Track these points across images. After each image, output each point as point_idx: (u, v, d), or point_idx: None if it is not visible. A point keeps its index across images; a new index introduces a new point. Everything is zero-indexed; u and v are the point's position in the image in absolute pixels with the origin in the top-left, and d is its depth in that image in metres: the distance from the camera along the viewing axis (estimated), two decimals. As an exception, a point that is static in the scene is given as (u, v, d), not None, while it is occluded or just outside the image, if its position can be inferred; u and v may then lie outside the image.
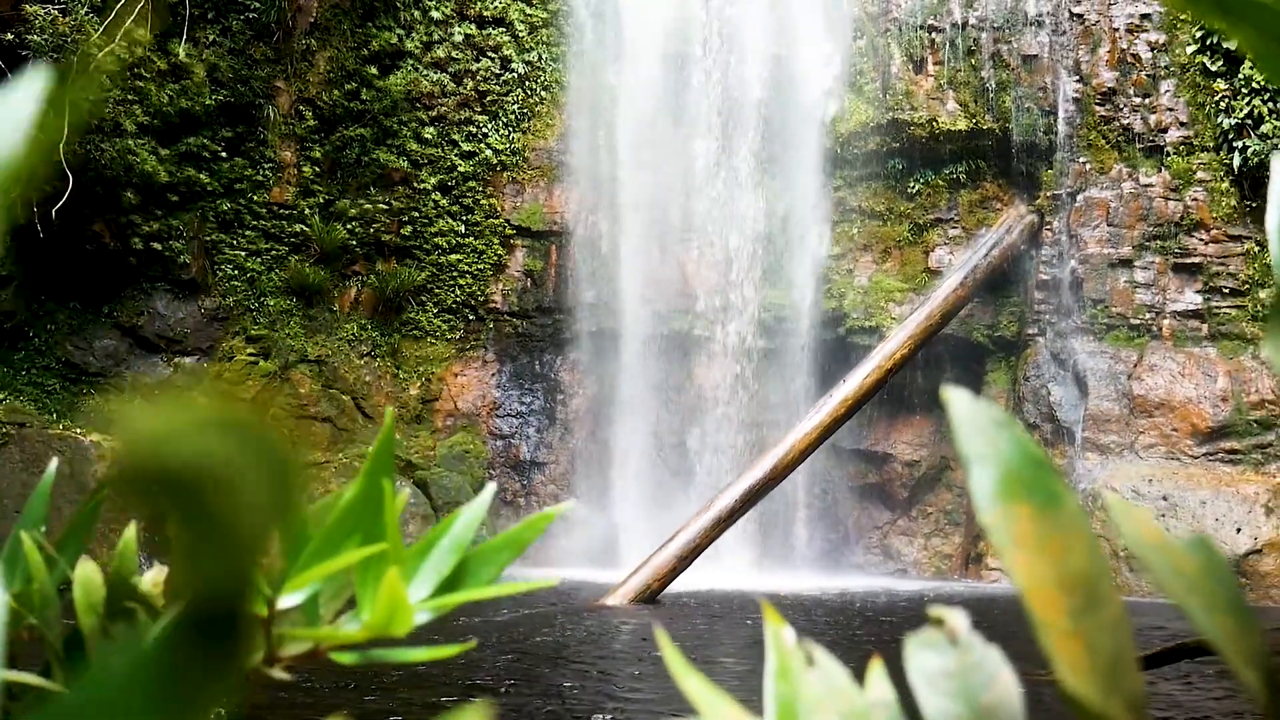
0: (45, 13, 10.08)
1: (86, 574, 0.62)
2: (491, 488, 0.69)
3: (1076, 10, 12.27)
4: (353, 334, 13.39)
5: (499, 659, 6.21)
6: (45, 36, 10.12)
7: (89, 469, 10.18)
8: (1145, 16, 12.05)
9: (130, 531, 0.68)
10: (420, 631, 0.55)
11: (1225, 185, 11.63)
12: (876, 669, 0.51)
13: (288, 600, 0.53)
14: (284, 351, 12.89)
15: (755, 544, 12.54)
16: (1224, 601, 0.48)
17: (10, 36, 10.29)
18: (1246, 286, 11.56)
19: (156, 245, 12.27)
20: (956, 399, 0.48)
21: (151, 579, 0.64)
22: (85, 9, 10.29)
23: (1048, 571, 0.46)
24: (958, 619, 0.48)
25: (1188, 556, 0.49)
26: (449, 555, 0.60)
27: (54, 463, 0.80)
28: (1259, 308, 11.49)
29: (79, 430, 10.60)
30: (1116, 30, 12.10)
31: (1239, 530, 10.57)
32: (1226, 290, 11.63)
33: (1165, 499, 10.91)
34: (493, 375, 13.74)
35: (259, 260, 13.08)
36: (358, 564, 0.54)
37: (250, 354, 12.74)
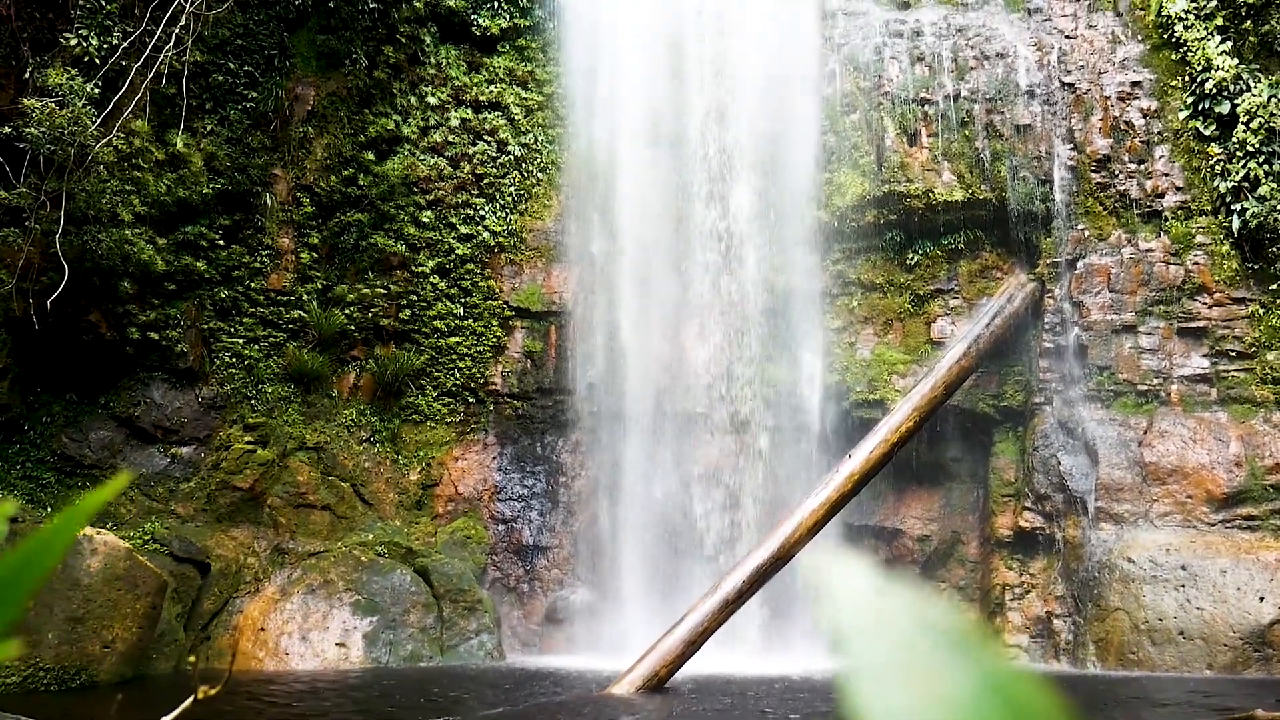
0: (43, 105, 10.14)
1: None
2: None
3: (1067, 80, 12.36)
4: (352, 419, 13.25)
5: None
6: (43, 129, 10.16)
7: (81, 563, 9.94)
8: (1136, 84, 12.14)
9: None
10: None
11: (1226, 248, 11.58)
12: None
13: None
14: (282, 439, 12.73)
15: (765, 626, 12.23)
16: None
17: (8, 130, 10.34)
18: (1254, 349, 11.43)
19: (154, 334, 12.19)
20: (830, 574, 0.27)
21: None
22: (83, 101, 10.35)
23: None
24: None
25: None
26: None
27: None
28: (1268, 370, 11.35)
29: (72, 524, 10.40)
30: (1108, 98, 12.18)
31: (1262, 599, 10.28)
32: (1234, 354, 11.50)
33: (1184, 569, 10.64)
34: (494, 458, 13.56)
35: (257, 347, 13.00)
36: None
37: (248, 442, 12.57)
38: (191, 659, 10.69)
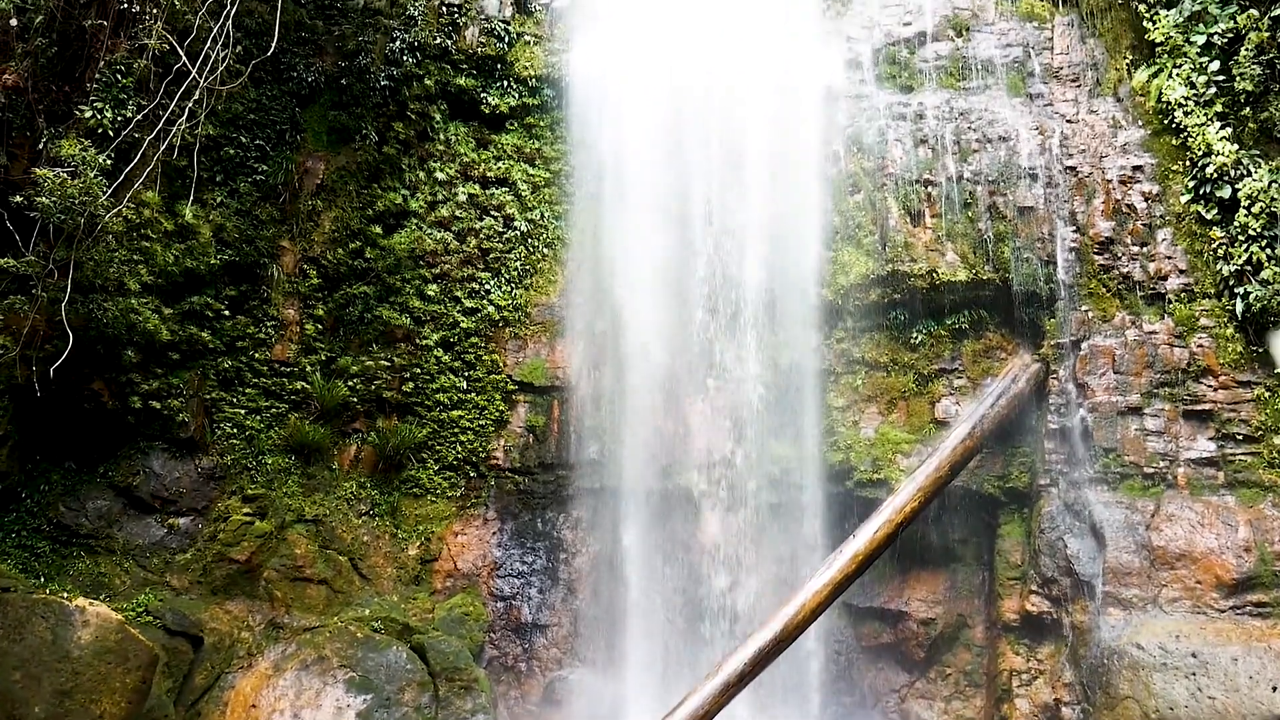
0: (55, 175, 10.26)
1: None
2: None
3: (1069, 163, 12.50)
4: (351, 492, 13.15)
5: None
6: (54, 199, 10.27)
7: (71, 635, 9.78)
8: (1137, 168, 12.27)
9: None
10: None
11: (1230, 331, 11.58)
12: None
13: None
14: (281, 511, 12.62)
15: (766, 709, 11.99)
16: None
17: (19, 199, 10.45)
18: (1260, 433, 11.35)
19: (155, 404, 12.17)
20: None
21: None
22: (95, 172, 10.48)
23: None
24: None
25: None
26: None
27: None
28: (1275, 454, 11.26)
29: (65, 595, 10.25)
30: (1110, 182, 12.30)
31: (1275, 689, 10.05)
32: (1240, 437, 11.42)
33: (1194, 656, 10.43)
34: (494, 534, 13.42)
35: (258, 418, 12.96)
36: None
37: (246, 514, 12.47)
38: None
